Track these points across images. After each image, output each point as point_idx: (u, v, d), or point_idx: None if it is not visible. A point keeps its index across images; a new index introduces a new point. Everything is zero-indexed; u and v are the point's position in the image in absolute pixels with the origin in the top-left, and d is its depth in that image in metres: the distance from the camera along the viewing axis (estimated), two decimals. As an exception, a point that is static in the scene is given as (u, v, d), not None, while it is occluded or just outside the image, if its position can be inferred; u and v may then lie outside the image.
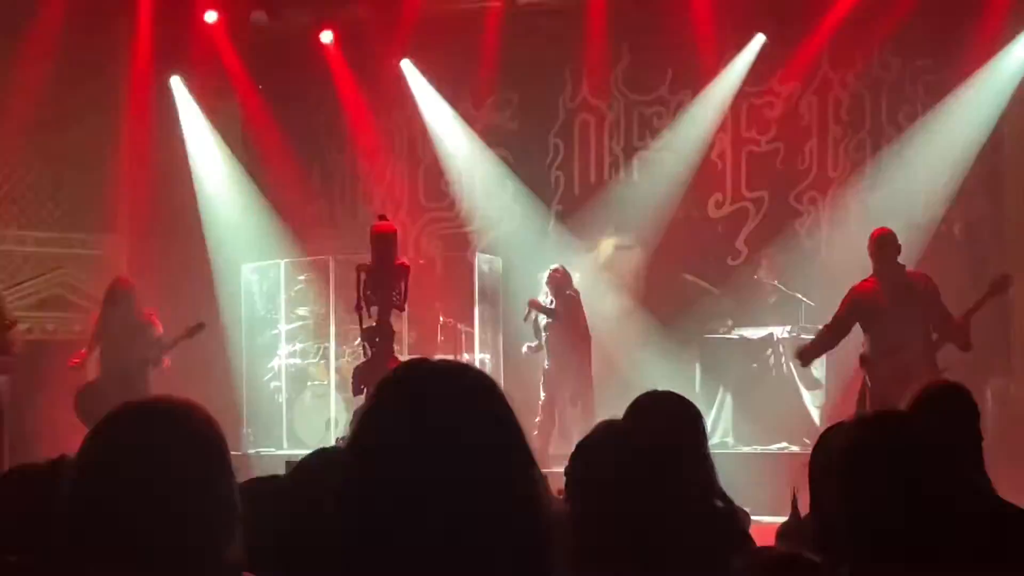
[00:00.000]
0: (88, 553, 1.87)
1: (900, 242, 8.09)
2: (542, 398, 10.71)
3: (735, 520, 3.34)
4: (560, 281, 10.75)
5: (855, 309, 8.03)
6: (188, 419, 1.96)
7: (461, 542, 1.53)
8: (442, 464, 1.55)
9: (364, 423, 1.62)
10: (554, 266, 10.89)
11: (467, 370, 1.69)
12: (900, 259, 8.08)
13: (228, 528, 1.93)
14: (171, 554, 1.86)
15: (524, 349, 11.03)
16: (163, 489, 1.87)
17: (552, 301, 10.74)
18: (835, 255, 11.07)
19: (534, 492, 1.60)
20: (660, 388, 3.47)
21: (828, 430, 3.22)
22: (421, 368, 1.68)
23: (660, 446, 3.01)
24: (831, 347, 8.64)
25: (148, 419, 1.97)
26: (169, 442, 1.92)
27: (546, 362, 10.83)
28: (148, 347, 9.64)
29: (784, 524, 3.78)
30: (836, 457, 2.29)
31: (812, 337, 8.82)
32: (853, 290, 8.11)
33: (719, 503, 3.23)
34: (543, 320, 10.80)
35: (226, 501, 1.93)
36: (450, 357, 11.00)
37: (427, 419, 1.59)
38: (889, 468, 2.18)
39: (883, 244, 8.01)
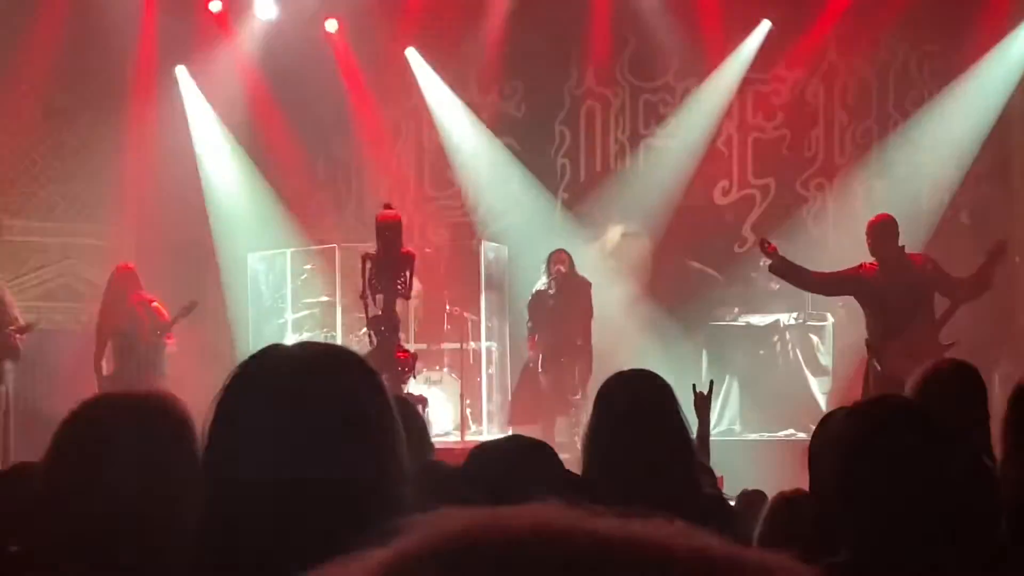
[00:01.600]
0: (57, 547, 1.87)
1: (900, 228, 8.10)
2: (543, 384, 10.70)
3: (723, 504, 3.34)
4: (570, 264, 10.71)
5: (852, 277, 8.10)
6: (146, 411, 1.96)
7: (320, 532, 1.49)
8: (296, 454, 1.52)
9: (220, 410, 1.59)
10: (558, 248, 10.84)
11: (324, 356, 1.65)
12: (905, 245, 8.10)
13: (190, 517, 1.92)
14: (129, 545, 1.85)
15: (530, 355, 10.89)
16: (120, 482, 1.87)
17: (554, 283, 10.65)
18: (841, 241, 11.05)
19: (392, 482, 1.56)
20: (665, 376, 3.46)
21: (828, 416, 3.23)
22: (272, 355, 1.65)
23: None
24: (804, 283, 8.63)
25: (104, 414, 1.97)
26: (125, 435, 1.92)
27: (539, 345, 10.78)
28: (151, 332, 9.73)
29: None
30: (833, 442, 2.30)
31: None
32: (858, 265, 8.17)
33: (707, 488, 3.23)
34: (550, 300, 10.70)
35: (187, 490, 1.92)
36: (457, 345, 11.02)
37: (279, 408, 1.56)
38: (884, 452, 2.18)
39: (881, 228, 8.04)
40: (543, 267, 10.77)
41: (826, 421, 3.16)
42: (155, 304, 9.93)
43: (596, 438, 3.15)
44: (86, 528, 1.86)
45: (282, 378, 1.59)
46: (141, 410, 1.96)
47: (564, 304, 10.58)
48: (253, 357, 1.64)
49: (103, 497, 1.86)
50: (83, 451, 1.92)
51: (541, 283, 10.80)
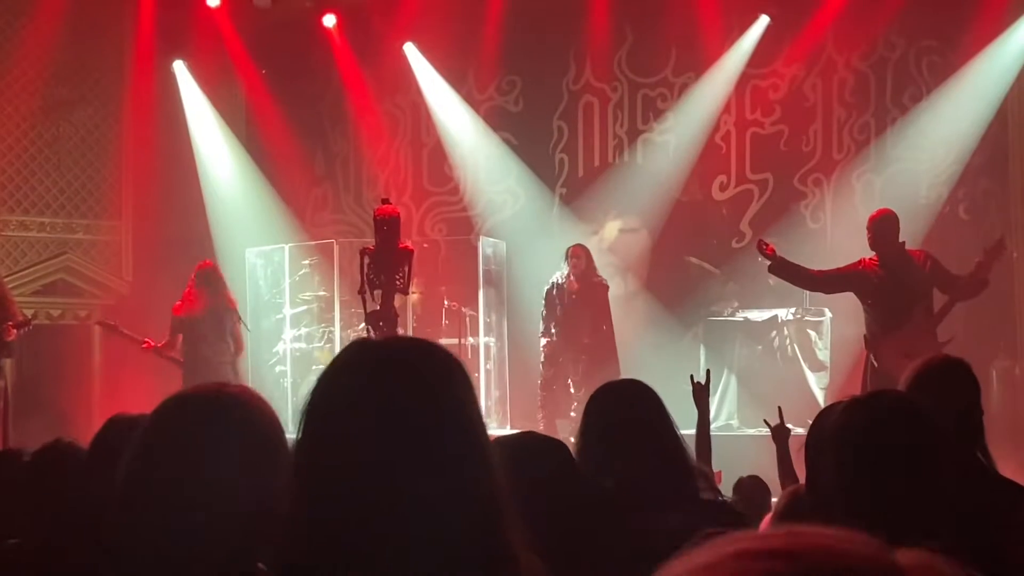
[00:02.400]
0: (124, 544, 1.84)
1: (900, 223, 8.12)
2: (546, 378, 10.67)
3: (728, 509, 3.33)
4: (589, 262, 10.59)
5: (852, 273, 8.12)
6: (252, 413, 1.93)
7: (411, 527, 1.50)
8: (389, 448, 1.53)
9: (312, 404, 1.60)
10: (576, 243, 10.71)
11: (416, 350, 1.66)
12: (906, 241, 8.13)
13: (263, 530, 1.89)
14: (199, 553, 1.82)
15: (543, 343, 10.76)
16: (209, 485, 1.83)
17: (571, 280, 10.54)
18: (839, 237, 11.06)
19: (486, 476, 1.57)
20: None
21: (824, 410, 3.23)
22: (367, 350, 1.66)
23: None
24: (804, 282, 8.57)
25: (211, 411, 1.92)
26: (229, 437, 1.88)
27: (554, 337, 10.67)
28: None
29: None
30: (830, 436, 2.30)
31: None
32: (858, 260, 8.20)
33: (705, 492, 3.22)
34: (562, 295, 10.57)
35: (268, 503, 1.89)
36: (455, 340, 11.01)
37: (373, 402, 1.56)
38: (880, 447, 2.19)
39: (881, 223, 8.06)
40: (563, 262, 10.70)
41: (823, 416, 3.16)
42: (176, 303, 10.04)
43: (585, 447, 3.15)
44: (176, 526, 1.83)
45: (380, 371, 1.60)
46: (232, 405, 1.92)
47: (575, 301, 10.53)
48: (346, 351, 1.66)
49: (196, 493, 1.83)
50: (174, 448, 1.88)
51: (558, 276, 10.69)
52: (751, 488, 5.32)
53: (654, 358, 10.19)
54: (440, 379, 1.60)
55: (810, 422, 3.55)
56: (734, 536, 0.85)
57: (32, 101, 11.69)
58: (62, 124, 11.97)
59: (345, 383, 1.61)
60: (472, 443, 1.58)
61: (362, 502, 1.51)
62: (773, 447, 4.91)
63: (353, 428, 1.55)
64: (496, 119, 12.66)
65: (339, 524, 1.52)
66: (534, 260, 11.58)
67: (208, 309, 10.08)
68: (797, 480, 4.42)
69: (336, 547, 1.52)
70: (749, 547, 0.82)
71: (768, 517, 3.67)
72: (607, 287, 10.70)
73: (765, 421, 4.94)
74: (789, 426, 5.01)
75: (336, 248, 11.83)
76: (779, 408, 4.78)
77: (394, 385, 1.57)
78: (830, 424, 2.36)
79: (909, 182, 11.03)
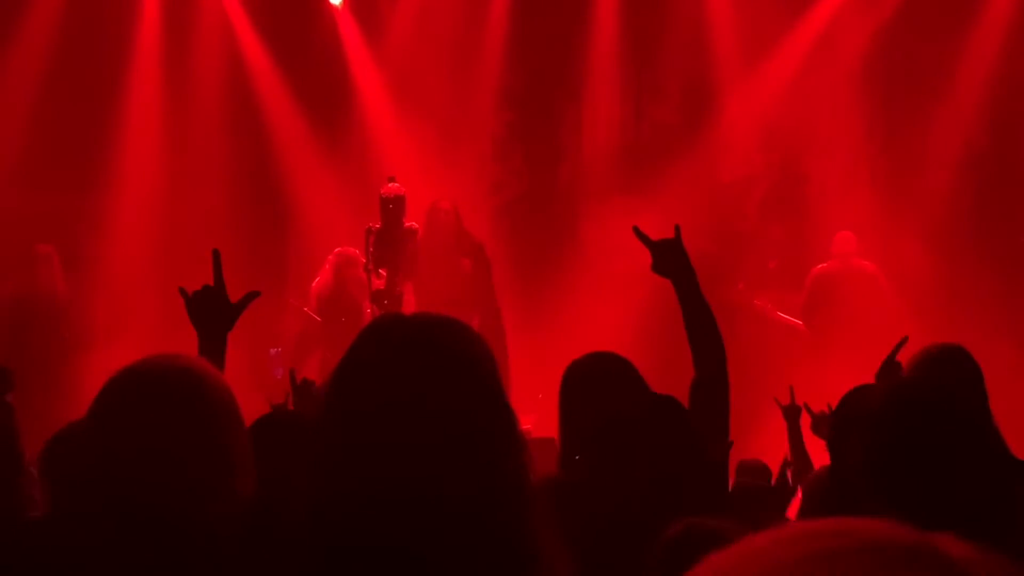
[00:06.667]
0: (91, 514, 1.85)
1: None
2: None
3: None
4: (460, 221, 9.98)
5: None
6: (200, 383, 1.93)
7: (435, 506, 1.49)
8: (414, 428, 1.52)
9: (337, 384, 1.59)
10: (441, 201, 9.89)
11: (442, 327, 1.64)
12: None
13: (232, 492, 1.89)
14: (166, 513, 1.84)
15: None
16: (167, 454, 1.85)
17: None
18: (845, 220, 11.04)
19: (512, 454, 1.57)
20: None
21: (852, 393, 3.20)
22: (396, 325, 1.65)
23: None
24: None
25: (156, 382, 1.93)
26: (178, 406, 1.90)
27: None
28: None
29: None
30: (867, 418, 2.27)
31: None
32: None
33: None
34: None
35: (232, 465, 1.89)
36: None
37: (399, 380, 1.56)
38: (920, 434, 2.17)
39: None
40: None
41: (855, 399, 3.13)
42: None
43: (567, 441, 3.12)
44: (118, 500, 1.84)
45: (405, 347, 1.59)
46: (177, 377, 1.93)
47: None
48: (371, 326, 1.66)
49: (138, 469, 1.84)
50: (118, 417, 1.89)
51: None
52: (752, 471, 5.30)
53: (657, 341, 10.16)
54: (464, 354, 1.59)
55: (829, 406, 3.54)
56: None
57: (28, 93, 11.50)
58: (62, 112, 11.68)
59: (371, 359, 1.59)
60: (496, 417, 1.57)
61: (388, 477, 1.50)
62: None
63: (379, 404, 1.53)
64: (502, 99, 12.60)
65: (364, 498, 1.50)
66: (540, 243, 11.56)
67: None
68: (809, 461, 4.41)
69: (360, 522, 1.50)
70: (804, 529, 0.83)
71: (798, 498, 3.68)
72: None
73: (776, 400, 4.90)
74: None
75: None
76: (790, 388, 4.73)
77: (419, 360, 1.56)
78: (868, 408, 2.32)
79: (917, 167, 11.02)
